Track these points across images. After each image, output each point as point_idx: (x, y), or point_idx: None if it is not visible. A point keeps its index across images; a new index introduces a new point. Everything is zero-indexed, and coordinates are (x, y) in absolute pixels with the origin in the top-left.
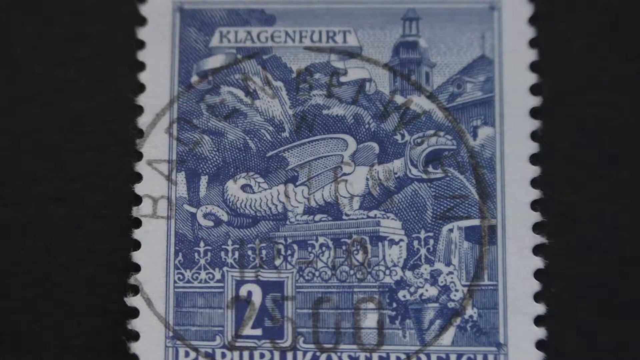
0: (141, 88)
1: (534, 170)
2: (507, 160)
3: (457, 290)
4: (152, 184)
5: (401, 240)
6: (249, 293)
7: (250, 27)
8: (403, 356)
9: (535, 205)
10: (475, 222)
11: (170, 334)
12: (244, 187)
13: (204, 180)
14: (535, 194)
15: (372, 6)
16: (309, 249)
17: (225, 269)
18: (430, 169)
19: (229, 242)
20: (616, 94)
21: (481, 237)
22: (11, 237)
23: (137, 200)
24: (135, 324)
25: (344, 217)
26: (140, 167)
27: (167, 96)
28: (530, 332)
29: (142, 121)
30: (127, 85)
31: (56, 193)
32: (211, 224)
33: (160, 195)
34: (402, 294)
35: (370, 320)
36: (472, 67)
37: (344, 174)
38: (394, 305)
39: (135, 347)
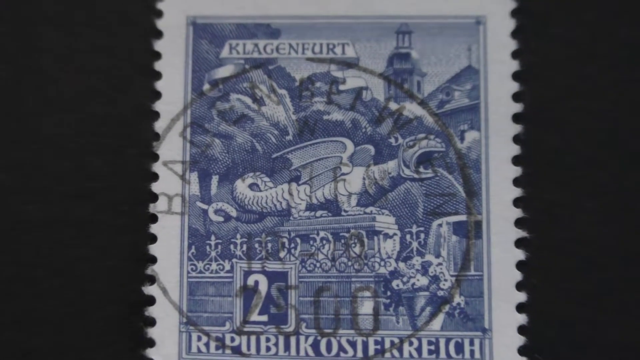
0: (157, 95)
1: (516, 171)
2: (492, 161)
3: (445, 280)
4: (167, 182)
5: (395, 234)
6: (256, 282)
7: (257, 40)
8: (397, 340)
9: (517, 202)
10: (463, 217)
11: (184, 320)
12: (251, 186)
13: (214, 179)
14: (517, 192)
15: (369, 21)
16: (311, 242)
17: (234, 260)
18: (421, 169)
19: (238, 236)
20: (592, 101)
21: (468, 231)
22: (38, 231)
23: (154, 197)
24: (152, 311)
25: (343, 213)
26: (157, 167)
27: (181, 103)
28: (513, 318)
29: (158, 125)
30: (145, 92)
31: (79, 191)
32: (221, 219)
33: (175, 193)
34: (395, 284)
35: (366, 307)
36: (459, 76)
37: (343, 174)
38: (388, 293)
39: (152, 332)
